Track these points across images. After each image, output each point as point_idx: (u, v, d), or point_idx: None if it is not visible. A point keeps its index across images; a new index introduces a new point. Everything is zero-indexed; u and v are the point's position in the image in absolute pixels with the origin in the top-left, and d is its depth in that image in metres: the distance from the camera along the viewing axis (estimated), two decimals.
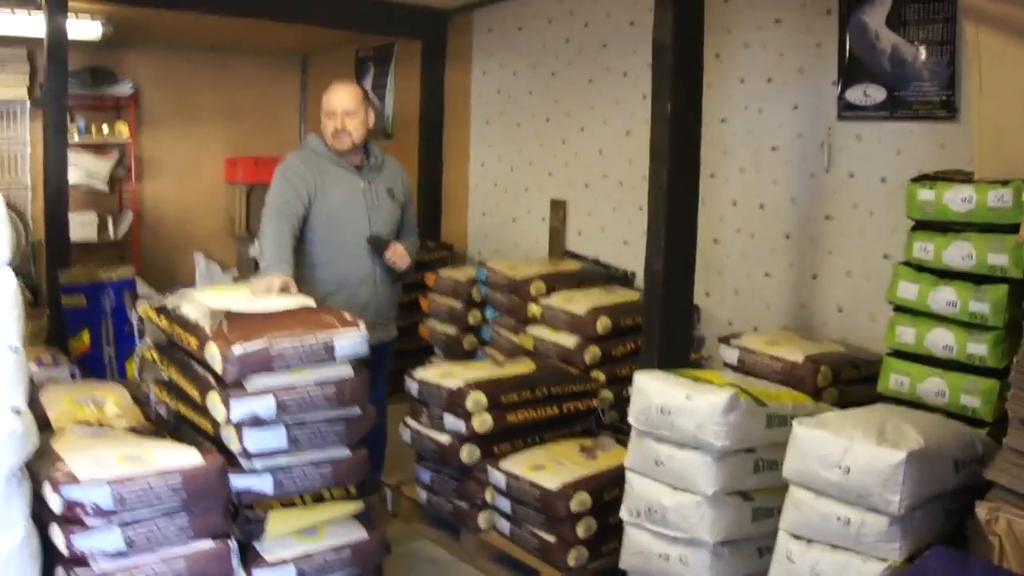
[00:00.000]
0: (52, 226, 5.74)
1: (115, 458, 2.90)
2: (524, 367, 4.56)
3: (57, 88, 5.66)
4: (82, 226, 7.96)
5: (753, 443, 3.28)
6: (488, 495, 4.20)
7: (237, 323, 3.17)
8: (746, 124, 4.95)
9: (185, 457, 3.00)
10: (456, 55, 7.00)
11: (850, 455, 2.82)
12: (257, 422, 3.13)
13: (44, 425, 3.48)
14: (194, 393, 3.29)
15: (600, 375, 4.81)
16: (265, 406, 3.11)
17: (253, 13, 6.34)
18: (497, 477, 4.10)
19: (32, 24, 6.31)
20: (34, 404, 3.78)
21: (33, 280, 7.06)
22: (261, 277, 3.79)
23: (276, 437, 3.18)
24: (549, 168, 6.27)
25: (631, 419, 3.46)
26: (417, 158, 7.10)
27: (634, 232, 5.44)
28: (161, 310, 3.58)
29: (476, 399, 4.18)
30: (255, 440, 3.15)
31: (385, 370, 4.55)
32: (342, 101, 4.27)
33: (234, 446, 3.14)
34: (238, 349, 3.05)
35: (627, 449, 3.56)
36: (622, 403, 4.58)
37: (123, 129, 8.26)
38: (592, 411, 4.59)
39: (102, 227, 8.29)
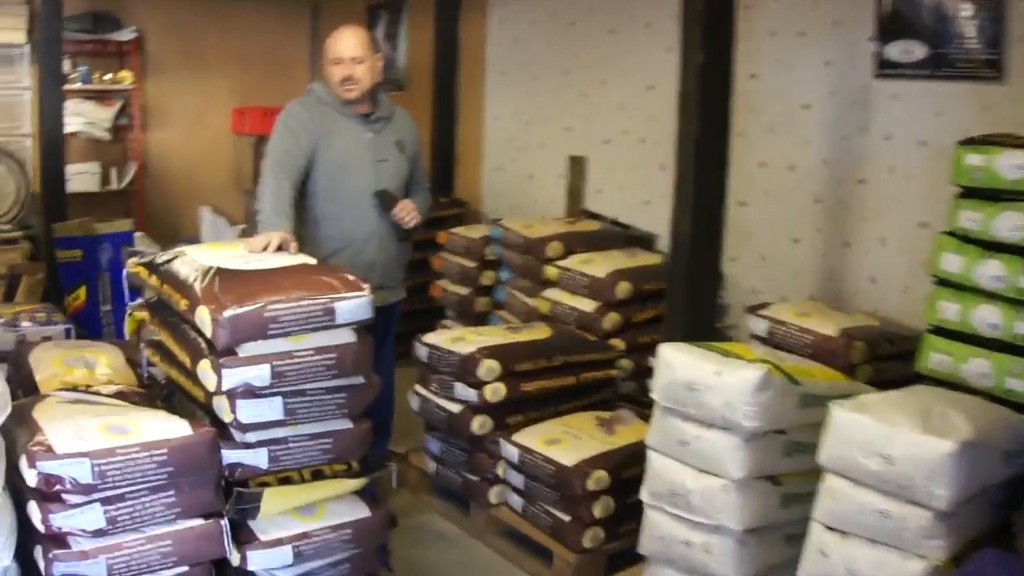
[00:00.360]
0: (48, 177, 5.56)
1: (98, 428, 2.69)
2: (539, 333, 4.34)
3: (50, 32, 5.42)
4: (84, 176, 7.80)
5: (785, 424, 3.04)
6: (500, 469, 4.01)
7: (230, 283, 2.94)
8: (776, 80, 4.68)
9: (173, 428, 2.78)
10: (471, 3, 6.72)
11: (893, 443, 2.60)
12: (251, 392, 2.90)
13: (31, 387, 3.37)
14: (185, 358, 3.08)
15: (620, 343, 4.59)
16: (259, 375, 2.89)
17: None
18: (510, 451, 3.90)
19: None
20: (22, 363, 3.64)
21: (34, 232, 6.84)
22: (258, 233, 3.55)
23: (271, 408, 2.95)
24: (567, 123, 6.01)
25: (654, 395, 3.23)
26: (430, 111, 6.83)
27: (656, 192, 5.19)
28: (151, 267, 3.36)
29: (489, 367, 3.96)
30: (249, 411, 2.92)
31: (392, 333, 4.32)
32: (349, 47, 4.00)
33: (226, 417, 2.92)
34: (230, 312, 2.82)
35: (648, 425, 3.33)
36: (642, 373, 4.38)
37: (126, 76, 8.02)
38: (611, 381, 4.38)
39: (105, 178, 8.08)
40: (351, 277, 3.07)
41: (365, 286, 3.05)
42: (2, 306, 4.89)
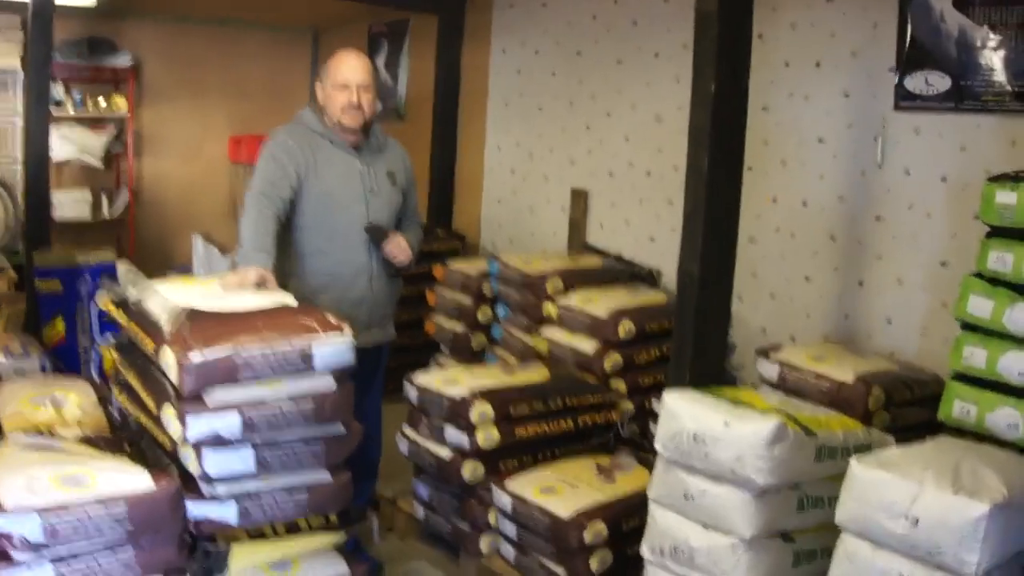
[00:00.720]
0: (31, 204, 5.34)
1: (51, 480, 2.49)
2: (536, 374, 4.13)
3: (39, 56, 5.25)
4: (74, 203, 7.63)
5: (799, 478, 2.82)
6: (492, 517, 3.77)
7: (200, 324, 2.74)
8: (790, 112, 4.47)
9: (133, 481, 2.58)
10: (474, 32, 6.54)
11: (919, 504, 2.37)
12: (219, 442, 2.70)
13: None
14: (151, 403, 2.87)
15: (621, 384, 4.37)
16: (228, 424, 2.68)
17: None
18: (502, 499, 3.67)
19: None
20: None
21: (21, 260, 6.64)
22: (237, 268, 3.34)
23: (242, 459, 2.75)
24: (571, 155, 5.80)
25: (658, 445, 3.00)
26: (430, 141, 6.66)
27: (661, 227, 4.98)
28: (121, 304, 3.17)
29: (481, 410, 3.74)
30: (217, 463, 2.72)
31: (381, 374, 4.12)
32: (357, 73, 3.82)
33: (192, 468, 2.72)
34: (197, 356, 2.62)
35: (650, 471, 3.10)
36: (644, 415, 4.17)
37: (121, 103, 7.84)
38: (611, 425, 4.15)
39: (96, 205, 7.88)
40: (332, 319, 2.87)
41: (346, 329, 2.85)
42: None
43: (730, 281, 3.51)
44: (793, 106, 4.44)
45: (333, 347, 2.80)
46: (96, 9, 7.28)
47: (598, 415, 4.07)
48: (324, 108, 3.87)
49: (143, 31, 8.04)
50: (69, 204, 7.62)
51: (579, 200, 5.68)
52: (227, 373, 2.66)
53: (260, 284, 3.21)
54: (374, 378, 4.05)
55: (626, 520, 3.43)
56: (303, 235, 3.81)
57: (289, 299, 3.06)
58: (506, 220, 6.33)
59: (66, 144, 7.51)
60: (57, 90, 7.52)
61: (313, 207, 3.78)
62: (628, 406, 4.31)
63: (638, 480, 3.51)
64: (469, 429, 3.75)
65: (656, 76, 5.12)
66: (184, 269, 7.55)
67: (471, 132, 6.60)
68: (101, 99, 7.82)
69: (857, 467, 2.52)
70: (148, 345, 2.85)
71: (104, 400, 3.52)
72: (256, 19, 8.31)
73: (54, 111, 7.44)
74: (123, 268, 5.59)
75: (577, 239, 5.69)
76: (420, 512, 4.15)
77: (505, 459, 3.83)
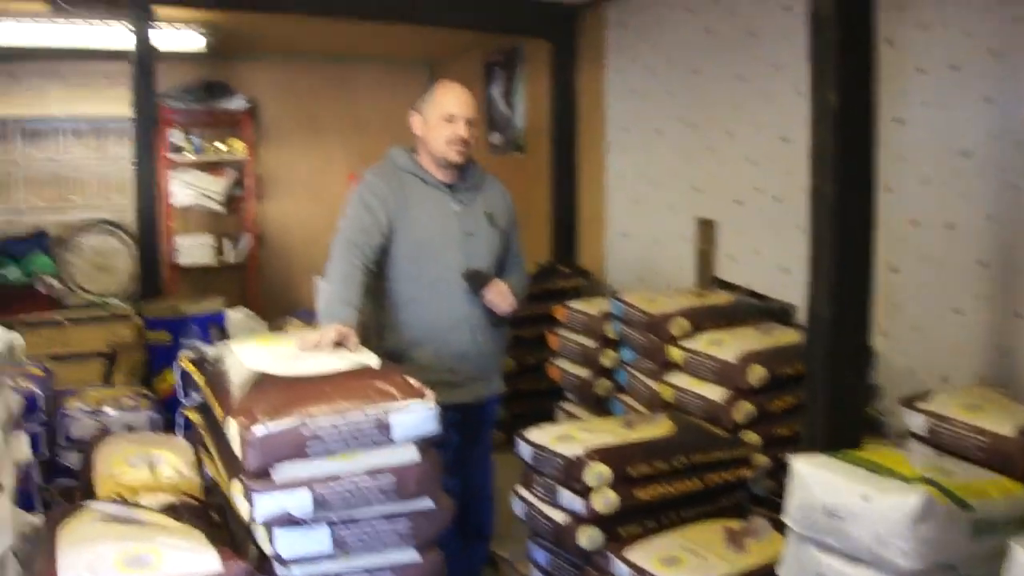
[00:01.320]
0: (143, 252, 5.30)
1: (115, 561, 2.29)
2: (659, 428, 3.75)
3: (145, 103, 5.19)
4: (198, 248, 7.70)
5: (952, 559, 2.38)
6: None
7: (268, 392, 2.49)
8: (927, 124, 4.00)
9: (201, 562, 2.35)
10: (588, 55, 6.25)
11: None
12: (291, 520, 2.44)
13: (87, 488, 3.13)
14: (224, 476, 2.64)
15: (753, 436, 3.95)
16: (298, 502, 2.42)
17: (364, 13, 5.75)
18: (621, 570, 3.31)
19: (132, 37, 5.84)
20: (89, 458, 3.35)
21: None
22: (320, 324, 3.10)
23: (317, 539, 2.49)
24: (694, 181, 5.43)
25: (787, 518, 2.62)
26: (549, 172, 6.37)
27: (794, 257, 4.55)
28: (200, 364, 2.96)
29: (597, 472, 3.40)
30: (290, 543, 2.47)
31: (488, 431, 3.83)
32: (464, 105, 3.57)
33: (266, 548, 2.47)
34: (261, 430, 2.37)
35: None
36: (780, 471, 3.73)
37: (238, 146, 7.84)
38: (742, 483, 3.75)
39: (220, 250, 7.91)
40: (414, 383, 2.58)
41: (428, 394, 2.55)
42: (99, 388, 4.61)
43: (867, 320, 3.09)
44: (930, 117, 3.98)
45: (414, 415, 2.51)
46: (209, 53, 7.28)
47: (728, 473, 3.67)
48: (425, 142, 3.62)
49: (257, 72, 8.06)
50: (192, 249, 7.70)
51: (706, 230, 5.30)
52: (294, 446, 2.40)
53: (341, 343, 2.94)
54: (481, 435, 3.79)
55: None
56: (397, 284, 3.56)
57: (371, 359, 2.78)
58: (631, 254, 5.99)
59: (187, 189, 7.57)
60: (176, 136, 7.57)
61: (406, 254, 3.54)
62: (762, 461, 3.90)
63: (772, 549, 3.10)
64: (584, 492, 3.42)
65: (778, 91, 4.72)
66: (307, 314, 7.45)
67: (591, 161, 6.30)
68: (219, 143, 7.85)
69: (1021, 552, 2.08)
70: (219, 412, 2.63)
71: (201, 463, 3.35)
72: (370, 53, 8.23)
73: (174, 157, 7.54)
74: (237, 316, 5.44)
75: (705, 272, 5.30)
76: None
77: (625, 524, 3.48)
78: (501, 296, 3.57)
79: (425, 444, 2.60)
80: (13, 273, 6.68)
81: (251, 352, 2.84)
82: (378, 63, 8.44)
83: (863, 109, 3.00)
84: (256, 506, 2.40)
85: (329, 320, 3.09)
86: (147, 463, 3.23)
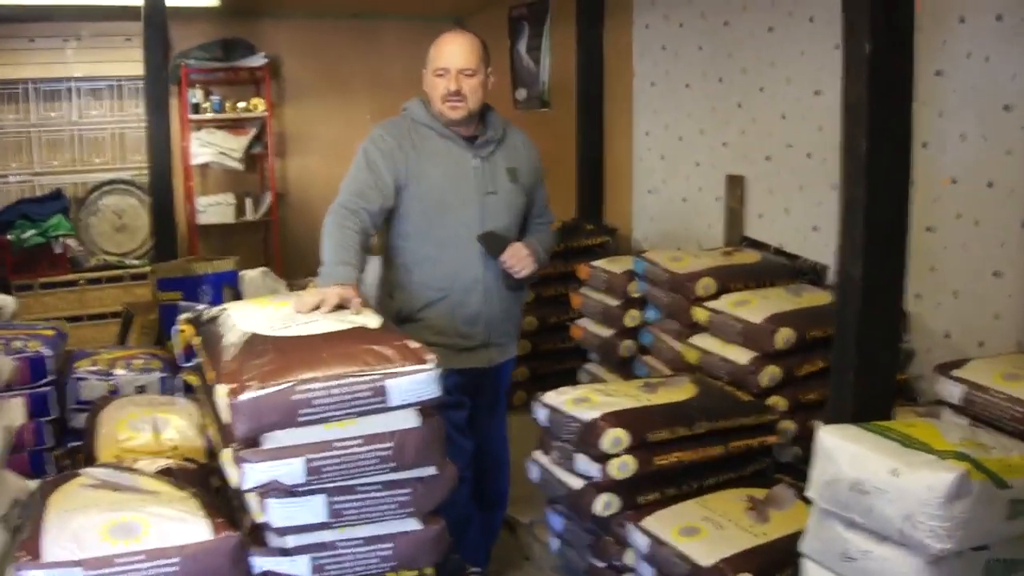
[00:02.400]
0: (157, 212, 5.19)
1: (101, 530, 2.21)
2: (681, 392, 3.61)
3: (155, 61, 5.07)
4: (217, 208, 7.59)
5: (986, 540, 2.24)
6: (628, 557, 3.31)
7: (259, 355, 2.36)
8: (968, 77, 3.79)
9: (190, 531, 2.25)
10: (615, 8, 6.03)
11: None
12: (283, 488, 2.32)
13: (90, 453, 3.03)
14: (217, 440, 2.54)
15: (780, 401, 3.81)
16: (289, 471, 2.30)
17: None
18: (638, 539, 3.20)
19: None
20: (93, 422, 3.24)
21: None
22: (318, 286, 2.96)
23: (311, 509, 2.37)
24: (723, 137, 5.24)
25: (811, 492, 2.49)
26: (575, 128, 6.20)
27: (825, 216, 4.39)
28: (198, 324, 2.85)
29: (615, 437, 3.27)
30: (283, 512, 2.36)
31: (503, 397, 3.69)
32: (457, 56, 3.33)
33: (257, 517, 2.37)
34: (248, 395, 2.24)
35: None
36: (807, 437, 3.59)
37: (259, 104, 7.71)
38: (767, 450, 3.61)
39: (240, 208, 7.81)
40: (413, 346, 2.44)
41: (430, 357, 2.42)
42: (112, 349, 4.52)
43: (900, 283, 2.92)
44: (971, 69, 3.77)
45: (412, 379, 2.37)
46: (227, 10, 7.17)
47: (752, 439, 3.53)
48: (429, 99, 3.45)
49: (278, 29, 7.90)
50: (212, 208, 7.60)
51: (735, 187, 5.12)
52: (285, 413, 2.27)
53: (343, 303, 2.79)
54: (496, 401, 3.64)
55: (778, 570, 2.90)
56: (408, 243, 3.40)
57: (371, 320, 2.64)
58: (658, 212, 5.83)
59: (205, 148, 7.46)
60: (195, 94, 7.46)
61: (419, 211, 3.35)
62: (788, 426, 3.75)
63: (796, 520, 2.96)
64: (601, 457, 3.29)
65: (813, 44, 4.52)
66: None
67: (617, 117, 6.11)
68: (240, 101, 7.73)
69: None
70: (209, 376, 2.52)
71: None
72: (394, 9, 8.04)
73: (193, 116, 7.42)
74: (254, 276, 5.30)
75: (735, 230, 5.13)
76: (555, 545, 3.74)
77: (643, 491, 3.35)
78: (519, 260, 3.38)
79: (427, 409, 2.47)
80: (31, 235, 6.61)
81: (248, 313, 2.71)
82: (401, 19, 8.23)
83: (899, 59, 2.80)
84: (246, 475, 2.29)
85: (327, 281, 2.94)
86: (151, 426, 3.12)
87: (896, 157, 2.84)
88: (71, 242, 6.95)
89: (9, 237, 6.56)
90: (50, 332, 4.12)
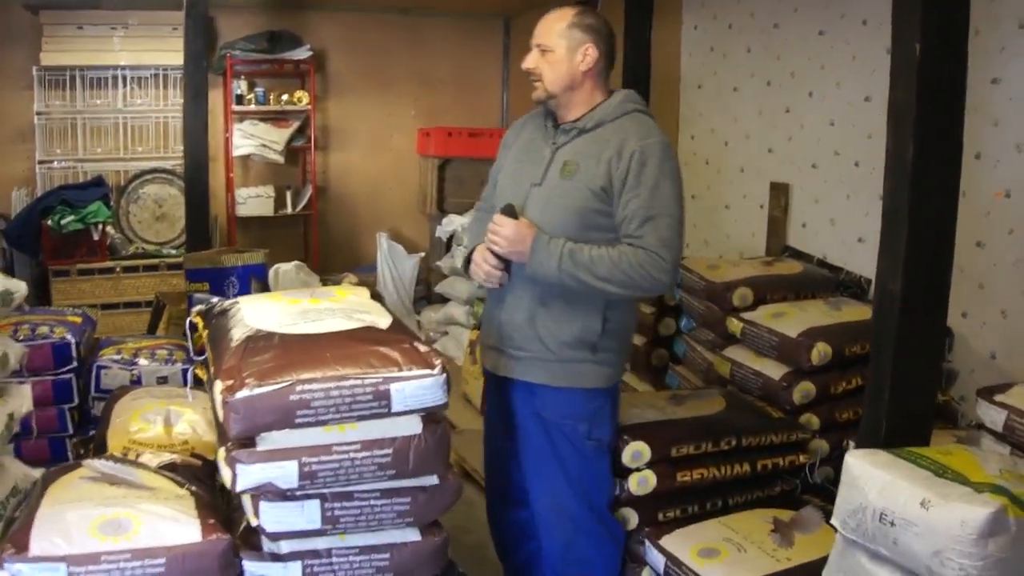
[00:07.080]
0: (190, 203, 5.14)
1: (91, 526, 2.17)
2: (710, 405, 3.48)
3: (195, 50, 5.01)
4: (257, 200, 7.56)
5: None
6: (645, 575, 3.17)
7: (260, 352, 2.27)
8: None
9: (180, 532, 2.19)
10: (664, 7, 5.87)
11: None
12: (278, 492, 2.23)
13: (101, 444, 2.99)
14: (215, 441, 2.45)
15: (813, 419, 3.65)
16: (283, 474, 2.22)
17: None
18: (655, 558, 3.07)
19: None
20: (107, 413, 3.20)
21: None
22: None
23: (305, 514, 2.28)
24: (769, 143, 5.08)
25: (835, 520, 2.34)
26: None
27: (871, 227, 4.16)
28: (208, 317, 2.77)
29: (636, 450, 3.15)
30: (275, 516, 2.27)
31: (520, 423, 3.38)
32: (538, 30, 2.96)
33: (251, 520, 2.29)
34: (243, 394, 2.15)
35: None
36: (841, 457, 3.42)
37: (303, 96, 7.66)
38: (798, 469, 3.45)
39: (280, 201, 7.78)
40: (422, 349, 2.33)
41: (438, 361, 2.30)
42: (139, 338, 4.48)
43: (943, 300, 2.75)
44: None
45: (417, 385, 2.26)
46: (274, 2, 7.19)
47: (782, 458, 3.38)
48: None
49: (324, 23, 7.88)
50: (252, 200, 7.59)
51: (779, 195, 4.96)
52: (281, 414, 2.18)
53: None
54: (511, 426, 3.15)
55: None
56: None
57: (382, 319, 2.52)
58: (700, 218, 5.67)
59: (247, 140, 7.43)
60: (240, 86, 7.45)
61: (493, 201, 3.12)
62: (820, 446, 3.59)
63: (822, 545, 2.79)
64: (621, 472, 3.16)
65: (864, 48, 4.36)
66: (369, 269, 7.26)
67: (663, 119, 5.86)
68: (284, 94, 7.70)
69: None
70: (213, 373, 2.43)
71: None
72: (441, 7, 8.00)
73: (237, 107, 7.40)
74: (287, 269, 5.22)
75: (777, 239, 4.98)
76: None
77: (665, 508, 3.22)
78: (495, 233, 2.88)
79: (432, 416, 2.35)
80: (70, 220, 6.60)
81: (259, 308, 2.62)
82: (448, 17, 8.20)
83: (951, 64, 2.64)
84: (239, 476, 2.20)
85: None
86: (163, 419, 3.07)
87: (945, 166, 2.68)
88: (110, 229, 6.94)
89: (48, 222, 6.55)
90: (77, 319, 4.10)
